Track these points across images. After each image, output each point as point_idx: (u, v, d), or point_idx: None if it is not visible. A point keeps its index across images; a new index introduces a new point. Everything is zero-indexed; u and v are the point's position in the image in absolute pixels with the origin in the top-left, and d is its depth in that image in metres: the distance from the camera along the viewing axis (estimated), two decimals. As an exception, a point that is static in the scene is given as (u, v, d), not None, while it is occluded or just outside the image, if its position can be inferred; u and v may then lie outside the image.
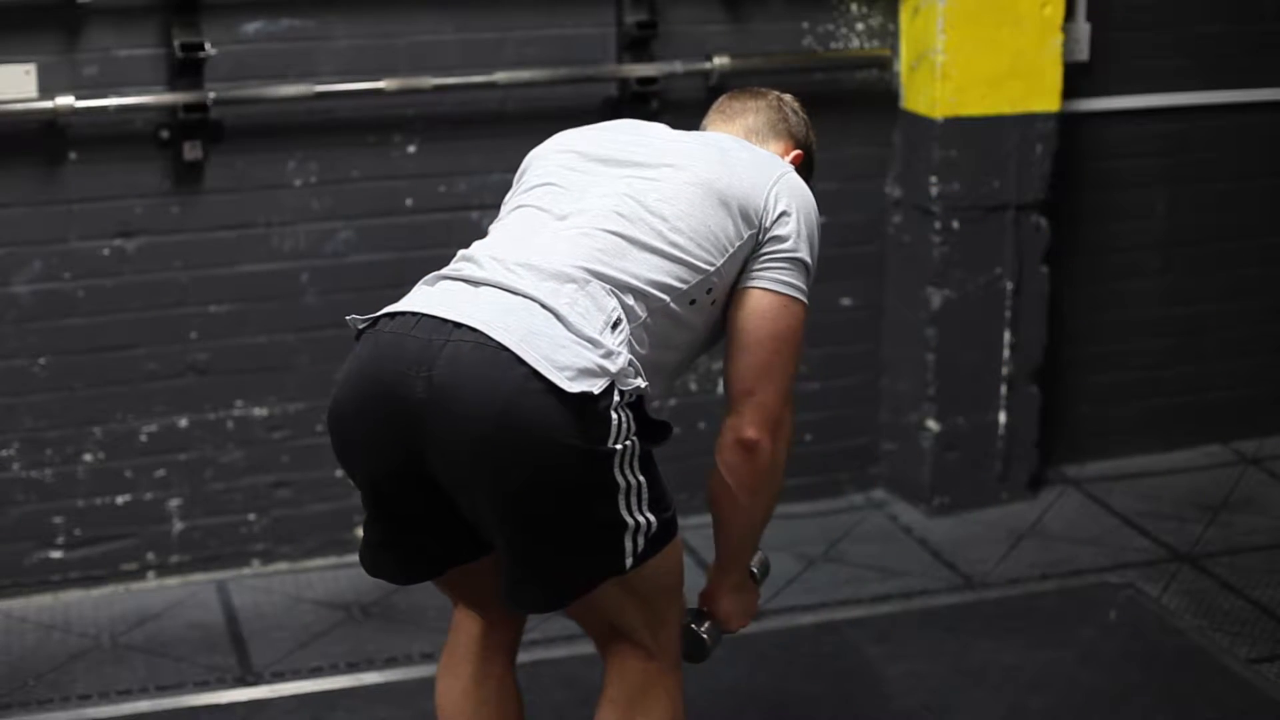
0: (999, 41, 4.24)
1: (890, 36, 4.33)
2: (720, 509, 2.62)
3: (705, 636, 2.71)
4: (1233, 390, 4.89)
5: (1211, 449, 4.88)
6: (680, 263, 2.48)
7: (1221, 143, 4.72)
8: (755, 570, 2.78)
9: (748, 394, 2.55)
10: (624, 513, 2.38)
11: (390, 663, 3.70)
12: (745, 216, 2.53)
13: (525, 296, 2.39)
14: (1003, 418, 4.48)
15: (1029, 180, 4.35)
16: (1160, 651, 3.74)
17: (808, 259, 2.58)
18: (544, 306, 2.38)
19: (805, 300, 2.58)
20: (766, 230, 2.54)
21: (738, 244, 2.52)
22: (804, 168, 2.76)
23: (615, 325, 2.41)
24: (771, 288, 2.55)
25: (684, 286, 2.49)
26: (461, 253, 2.54)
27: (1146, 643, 3.78)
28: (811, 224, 2.59)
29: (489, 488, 2.34)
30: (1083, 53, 4.48)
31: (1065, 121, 4.40)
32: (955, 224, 4.32)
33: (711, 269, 2.50)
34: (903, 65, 4.34)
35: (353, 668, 3.69)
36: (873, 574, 4.14)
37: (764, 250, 2.55)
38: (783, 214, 2.55)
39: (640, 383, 2.40)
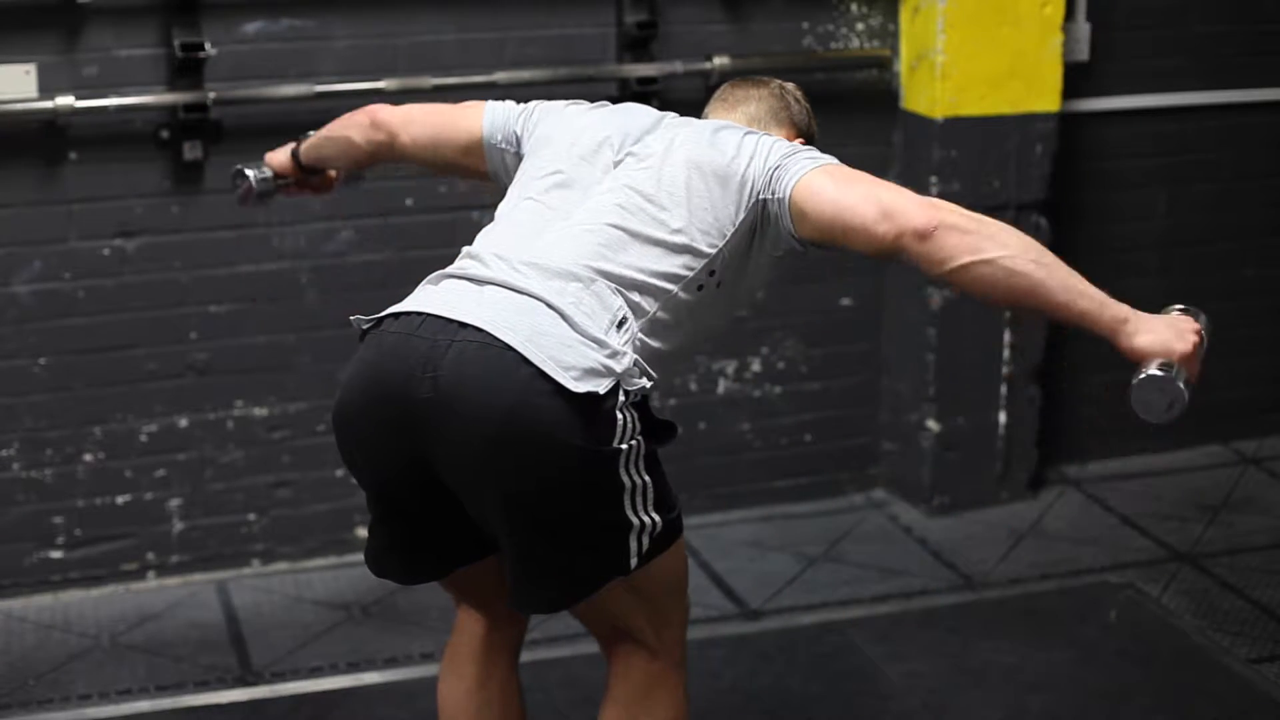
0: (999, 41, 4.24)
1: (890, 36, 4.33)
2: (1010, 288, 2.36)
3: (1152, 371, 2.32)
4: (1233, 390, 4.89)
5: (1211, 449, 4.88)
6: (683, 250, 2.48)
7: (1221, 143, 4.72)
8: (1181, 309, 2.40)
9: (881, 219, 2.39)
10: (629, 513, 2.38)
11: (390, 663, 3.70)
12: (747, 189, 2.50)
13: (530, 296, 2.39)
14: (1003, 418, 4.48)
15: (1029, 180, 4.35)
16: (1160, 651, 3.74)
17: (813, 150, 2.54)
18: (549, 306, 2.38)
19: (834, 160, 2.51)
20: (763, 176, 2.50)
21: (739, 220, 2.51)
22: None
23: (621, 324, 2.41)
24: (801, 175, 2.47)
25: (689, 274, 2.48)
26: (466, 250, 2.54)
27: (1146, 643, 3.78)
28: (789, 143, 2.56)
29: (494, 488, 2.34)
30: (1083, 53, 4.48)
31: (1065, 121, 4.40)
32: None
33: (714, 251, 2.50)
34: (903, 65, 4.34)
35: (353, 668, 3.68)
36: (873, 574, 4.14)
37: (772, 180, 2.49)
38: (776, 156, 2.51)
39: (645, 382, 2.40)
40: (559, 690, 3.50)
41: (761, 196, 2.50)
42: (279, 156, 3.12)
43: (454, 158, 2.83)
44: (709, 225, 2.50)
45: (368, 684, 3.60)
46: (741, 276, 2.56)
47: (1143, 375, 2.34)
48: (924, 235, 2.37)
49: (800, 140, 2.73)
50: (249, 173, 3.13)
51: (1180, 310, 2.43)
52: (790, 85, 2.81)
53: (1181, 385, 2.31)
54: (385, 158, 2.95)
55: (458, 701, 2.73)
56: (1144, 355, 2.37)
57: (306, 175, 3.12)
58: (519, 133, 2.74)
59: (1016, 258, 2.36)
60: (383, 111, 2.91)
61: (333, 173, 3.16)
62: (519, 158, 2.72)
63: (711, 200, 2.50)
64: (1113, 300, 2.39)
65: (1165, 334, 2.37)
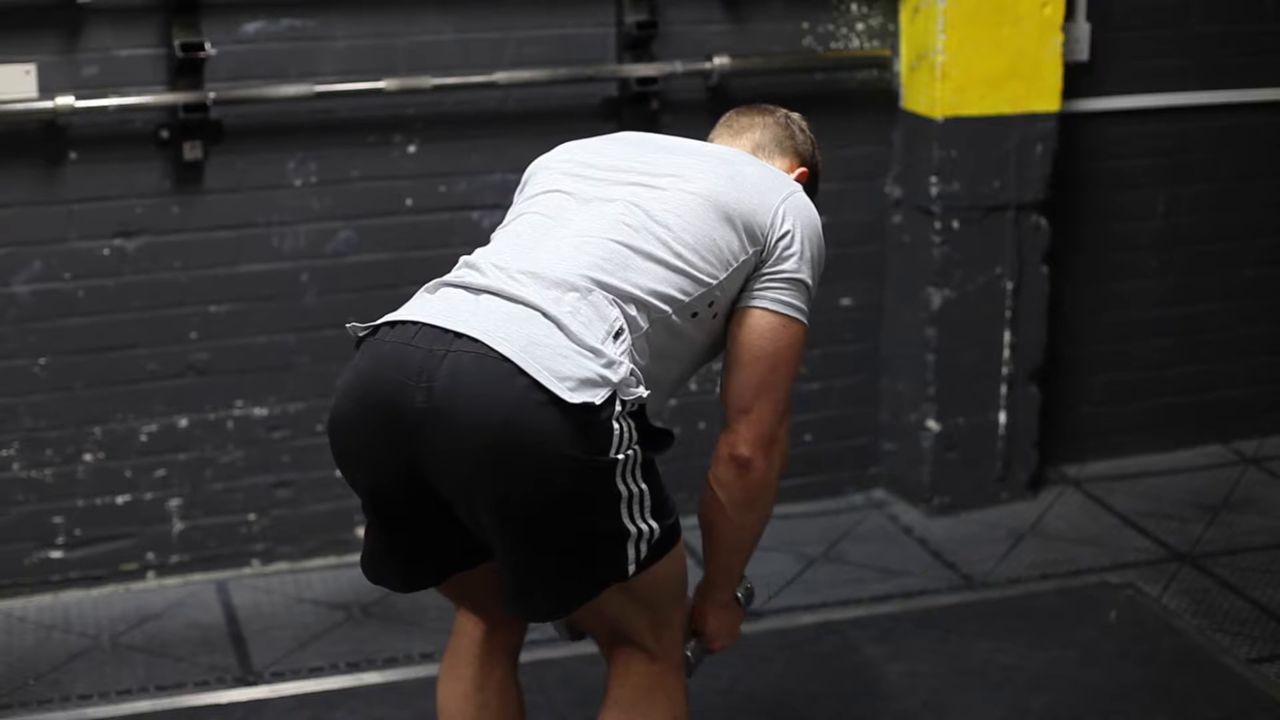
0: (999, 41, 4.24)
1: (890, 36, 4.33)
2: (711, 525, 2.63)
3: (689, 654, 2.71)
4: (1233, 390, 4.89)
5: (1211, 449, 4.88)
6: (683, 274, 2.48)
7: (1221, 143, 4.72)
8: (740, 595, 2.78)
9: (743, 411, 2.55)
10: (626, 521, 2.38)
11: (390, 663, 3.70)
12: (750, 233, 2.53)
13: (527, 305, 2.38)
14: (1003, 418, 4.48)
15: (1029, 180, 4.35)
16: (1160, 651, 3.74)
17: (809, 280, 2.58)
18: (545, 315, 2.37)
19: (804, 321, 2.59)
20: (770, 249, 2.54)
21: (741, 259, 2.52)
22: (809, 186, 2.75)
23: (617, 334, 2.40)
24: (771, 308, 2.55)
25: (686, 299, 2.48)
26: (464, 259, 2.54)
27: (1146, 643, 3.78)
28: (815, 246, 2.59)
29: (490, 498, 2.33)
30: (1083, 53, 4.48)
31: (1065, 121, 4.40)
32: (955, 224, 4.32)
33: (714, 282, 2.50)
34: (903, 65, 4.34)
35: (353, 668, 3.69)
36: (873, 574, 4.14)
37: (766, 270, 2.54)
38: (787, 233, 2.54)
39: (642, 391, 2.39)
40: (558, 690, 3.50)
41: (761, 258, 2.54)
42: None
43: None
44: (712, 257, 2.50)
45: (368, 684, 3.61)
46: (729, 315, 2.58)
47: (692, 643, 2.74)
48: (735, 460, 2.57)
49: (803, 170, 2.74)
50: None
51: (746, 591, 2.80)
52: (795, 115, 2.82)
53: (694, 663, 2.74)
54: None
55: (457, 704, 2.73)
56: (699, 626, 2.74)
57: None
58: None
59: (742, 532, 2.64)
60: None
61: None
62: None
63: (719, 233, 2.51)
64: (732, 585, 2.73)
65: (718, 627, 2.75)
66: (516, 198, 2.69)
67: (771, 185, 2.58)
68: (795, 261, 2.55)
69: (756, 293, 2.55)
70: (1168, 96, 4.62)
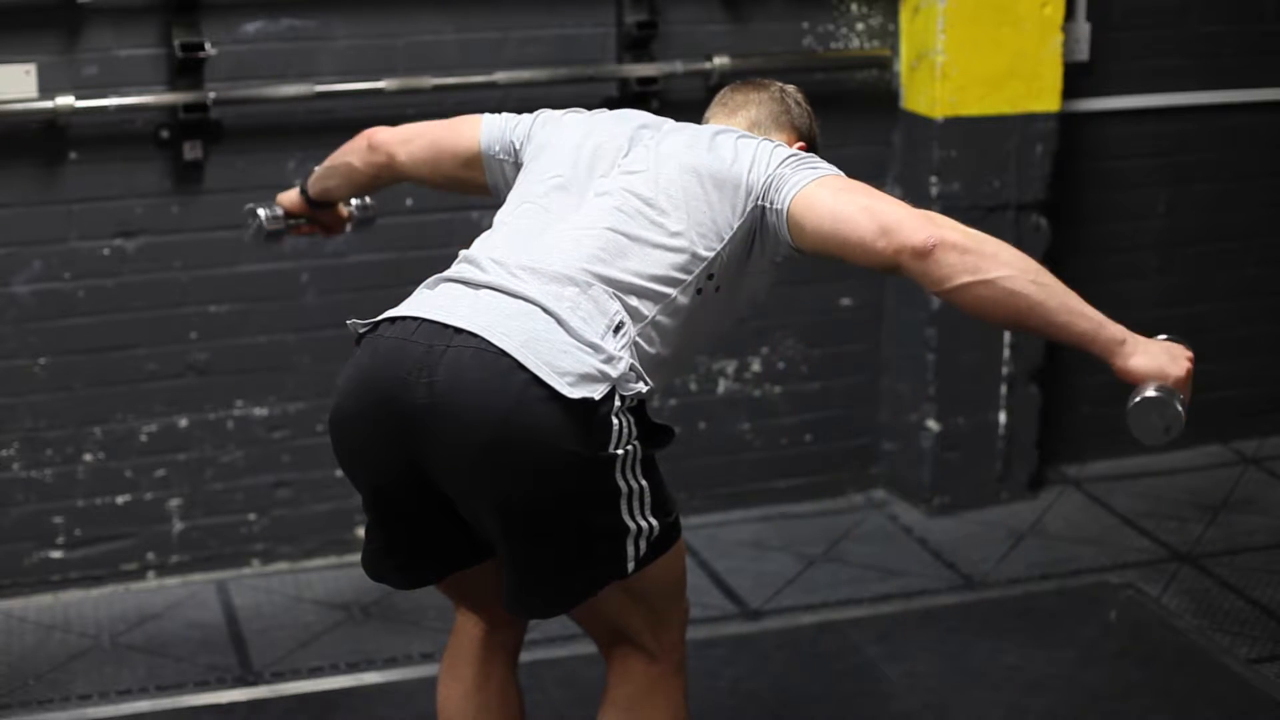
0: (999, 41, 4.24)
1: (890, 36, 4.33)
2: (1007, 308, 2.37)
3: (1150, 394, 2.34)
4: (1233, 390, 4.89)
5: (1211, 449, 4.88)
6: (680, 251, 2.47)
7: (1221, 143, 4.72)
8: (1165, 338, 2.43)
9: (879, 235, 2.38)
10: (626, 518, 2.38)
11: (390, 663, 3.70)
12: (744, 193, 2.50)
13: (526, 300, 2.39)
14: (1003, 418, 4.48)
15: (1029, 180, 4.35)
16: (1160, 651, 3.74)
17: (815, 159, 2.52)
18: (545, 311, 2.37)
19: (835, 170, 2.50)
20: (762, 182, 2.50)
21: (737, 224, 2.50)
22: None
23: (618, 329, 2.41)
24: (800, 187, 2.46)
25: (688, 277, 2.48)
26: (463, 253, 2.54)
27: (1146, 643, 3.78)
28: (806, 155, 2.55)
29: (490, 494, 2.34)
30: (1083, 53, 4.48)
31: (1065, 121, 4.40)
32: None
33: (712, 254, 2.49)
34: (903, 65, 4.34)
35: (353, 668, 3.69)
36: (873, 574, 4.14)
37: (771, 189, 2.49)
38: (776, 163, 2.51)
39: (642, 387, 2.39)
40: (557, 690, 3.50)
41: (760, 203, 2.50)
42: (289, 195, 3.15)
43: (453, 172, 2.83)
44: (707, 229, 2.49)
45: (368, 684, 3.60)
46: (740, 281, 2.56)
47: (1139, 398, 2.36)
48: (922, 254, 2.36)
49: (801, 144, 2.72)
50: (260, 211, 3.15)
51: (1167, 338, 2.45)
52: (791, 88, 2.80)
53: (1179, 407, 2.33)
54: (387, 179, 2.96)
55: (457, 704, 2.73)
56: (1140, 377, 2.39)
57: (316, 211, 3.13)
58: (516, 143, 2.74)
59: (1015, 278, 2.37)
60: (379, 133, 2.92)
61: (344, 210, 3.17)
62: (517, 168, 2.72)
63: (709, 204, 2.50)
64: (1110, 321, 2.40)
65: (1161, 357, 2.39)
66: (525, 162, 2.68)
67: (749, 145, 2.55)
68: (786, 164, 2.50)
69: (781, 203, 2.47)
70: (1168, 96, 4.62)
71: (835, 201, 2.44)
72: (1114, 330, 2.39)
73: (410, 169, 2.89)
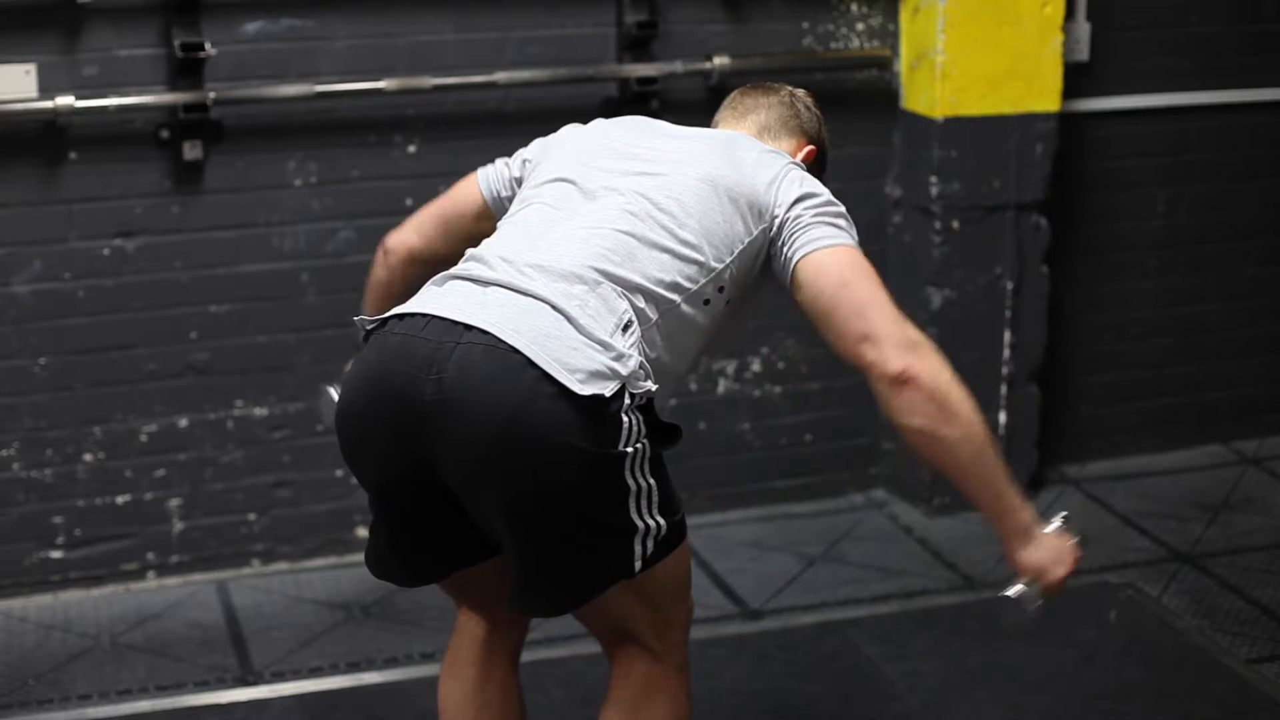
0: (999, 41, 4.24)
1: (890, 36, 4.33)
2: (939, 461, 2.45)
3: (1011, 594, 2.49)
4: (1233, 390, 4.89)
5: (1211, 449, 4.88)
6: (690, 261, 2.48)
7: (1221, 143, 4.72)
8: (1057, 522, 2.55)
9: (863, 338, 2.44)
10: (634, 516, 2.38)
11: (390, 663, 3.70)
12: (756, 212, 2.51)
13: (535, 298, 2.38)
14: (1003, 418, 4.48)
15: (1029, 180, 4.35)
16: (1160, 651, 3.74)
17: (834, 215, 2.52)
18: (554, 308, 2.37)
19: (851, 242, 2.51)
20: (778, 218, 2.51)
21: (747, 240, 2.51)
22: (816, 163, 2.75)
23: (626, 327, 2.41)
24: (813, 249, 2.48)
25: (694, 286, 2.48)
26: (471, 252, 2.54)
27: (1146, 643, 3.78)
28: (826, 196, 2.56)
29: (498, 491, 2.33)
30: (1083, 53, 4.48)
31: (1065, 121, 4.40)
32: (955, 224, 4.32)
33: (721, 265, 2.50)
34: (903, 65, 4.34)
35: (353, 668, 3.69)
36: (873, 574, 4.14)
37: (786, 230, 2.50)
38: (794, 199, 2.52)
39: (651, 385, 2.39)
40: (557, 690, 3.50)
41: (770, 237, 2.52)
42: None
43: (470, 229, 2.84)
44: (719, 241, 2.49)
45: (368, 684, 3.61)
46: (749, 299, 2.57)
47: (1010, 590, 2.52)
48: (894, 382, 2.43)
49: (811, 148, 2.73)
50: (331, 390, 2.97)
51: (1064, 519, 2.59)
52: (800, 92, 2.81)
53: (1032, 608, 2.51)
54: (417, 271, 2.89)
55: (458, 704, 2.73)
56: (1022, 568, 2.53)
57: None
58: (516, 175, 2.76)
59: (962, 443, 2.44)
60: (389, 239, 2.95)
61: None
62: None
63: (724, 215, 2.50)
64: (1023, 508, 2.51)
65: (1047, 559, 2.52)
66: (527, 175, 2.69)
67: (769, 163, 2.57)
68: (809, 208, 2.51)
69: (792, 252, 2.49)
70: (1168, 96, 4.63)
71: (838, 286, 2.47)
72: (1021, 518, 2.51)
73: (431, 249, 2.90)
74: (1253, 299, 4.87)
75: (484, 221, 2.81)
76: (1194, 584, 4.07)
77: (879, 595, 4.03)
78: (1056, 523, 2.57)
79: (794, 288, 2.51)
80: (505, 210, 2.74)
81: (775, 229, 2.51)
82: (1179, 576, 4.11)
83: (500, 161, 2.82)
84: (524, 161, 2.76)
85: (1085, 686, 3.58)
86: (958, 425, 2.43)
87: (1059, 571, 2.52)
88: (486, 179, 2.82)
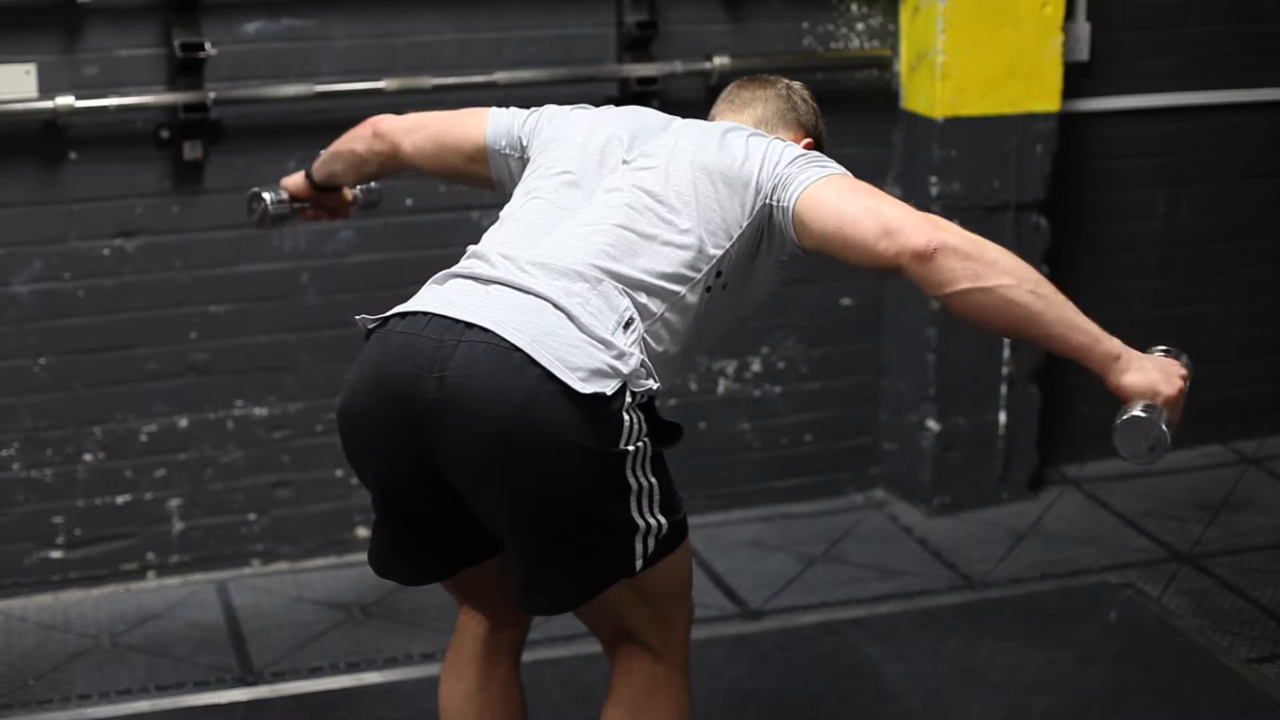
0: (999, 41, 4.24)
1: (890, 36, 4.33)
2: (1006, 319, 2.37)
3: (1138, 412, 2.31)
4: (1233, 390, 4.89)
5: (1211, 449, 4.88)
6: (690, 250, 2.48)
7: (1221, 143, 4.72)
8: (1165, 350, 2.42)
9: (881, 235, 2.38)
10: (635, 515, 2.38)
11: (390, 663, 3.70)
12: (754, 189, 2.50)
13: (537, 296, 2.39)
14: (1003, 418, 4.48)
15: (1029, 180, 4.35)
16: (1160, 651, 3.74)
17: (825, 158, 2.52)
18: (556, 306, 2.37)
19: (840, 170, 2.50)
20: (768, 180, 2.50)
21: (746, 222, 2.51)
22: None
23: (627, 325, 2.41)
24: (806, 185, 2.47)
25: (696, 275, 2.48)
26: (472, 249, 2.54)
27: (1146, 643, 3.78)
28: (818, 154, 2.56)
29: (500, 489, 2.34)
30: (1083, 53, 4.48)
31: (1065, 121, 4.40)
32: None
33: (720, 252, 2.50)
34: (903, 65, 4.34)
35: (353, 668, 3.68)
36: (873, 574, 4.14)
37: (779, 188, 2.49)
38: (783, 162, 2.51)
39: (652, 384, 2.40)
40: (557, 690, 3.50)
41: (767, 202, 2.50)
42: (294, 179, 3.13)
43: (458, 164, 2.83)
44: (716, 227, 2.50)
45: (368, 684, 3.60)
46: (747, 281, 2.56)
47: (1126, 415, 2.35)
48: (923, 257, 2.36)
49: (808, 141, 2.73)
50: (265, 195, 3.13)
51: (1164, 351, 2.45)
52: (797, 85, 2.81)
53: (1164, 427, 2.33)
54: (391, 168, 2.95)
55: (459, 703, 2.73)
56: (1130, 394, 2.39)
57: (321, 195, 3.12)
58: (523, 138, 2.74)
59: (1015, 287, 2.36)
60: (385, 121, 2.91)
61: (349, 194, 3.16)
62: (523, 163, 2.72)
63: (719, 202, 2.50)
64: (1106, 335, 2.40)
65: (1153, 375, 2.39)
66: (533, 157, 2.68)
67: (758, 144, 2.56)
68: (795, 162, 2.50)
69: (788, 200, 2.47)
70: (1168, 96, 4.63)
71: (839, 201, 2.45)
72: (1110, 345, 2.40)
73: (414, 160, 2.88)
74: (1253, 299, 4.87)
75: (475, 164, 2.80)
76: (1194, 584, 4.07)
77: (879, 595, 4.03)
78: (1157, 353, 2.43)
79: (799, 231, 2.48)
80: (498, 162, 2.75)
81: (770, 193, 2.50)
82: (1179, 576, 4.11)
83: (513, 113, 2.78)
84: (535, 129, 2.73)
85: (1085, 686, 3.58)
86: (1004, 272, 2.35)
87: (1171, 387, 2.38)
88: (495, 126, 2.77)
